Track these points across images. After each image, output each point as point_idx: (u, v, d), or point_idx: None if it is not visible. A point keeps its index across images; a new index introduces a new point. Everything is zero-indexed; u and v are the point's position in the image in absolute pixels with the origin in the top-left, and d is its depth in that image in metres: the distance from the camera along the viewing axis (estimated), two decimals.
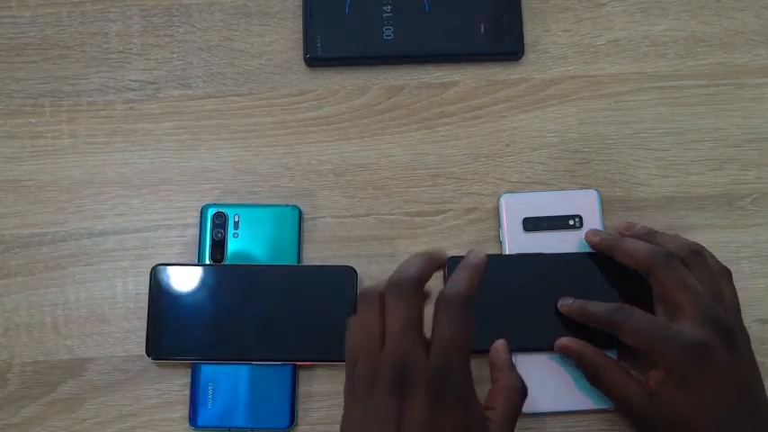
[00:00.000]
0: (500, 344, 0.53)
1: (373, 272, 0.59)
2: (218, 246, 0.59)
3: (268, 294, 0.57)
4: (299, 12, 0.64)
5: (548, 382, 0.57)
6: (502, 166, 0.62)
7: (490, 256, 0.57)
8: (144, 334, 0.57)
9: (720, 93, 0.63)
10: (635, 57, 0.64)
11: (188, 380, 0.57)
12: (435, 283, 0.59)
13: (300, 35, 0.64)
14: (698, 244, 0.57)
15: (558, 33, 0.64)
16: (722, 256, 0.59)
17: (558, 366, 0.57)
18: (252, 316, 0.57)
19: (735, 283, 0.56)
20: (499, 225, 0.60)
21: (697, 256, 0.55)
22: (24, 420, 0.58)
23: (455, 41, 0.63)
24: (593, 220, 0.59)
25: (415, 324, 0.47)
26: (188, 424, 0.57)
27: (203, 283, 0.57)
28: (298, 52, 0.64)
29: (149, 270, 0.58)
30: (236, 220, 0.59)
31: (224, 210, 0.60)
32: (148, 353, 0.57)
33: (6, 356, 0.59)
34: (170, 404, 0.58)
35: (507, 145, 0.62)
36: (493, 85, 0.63)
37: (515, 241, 0.59)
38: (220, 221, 0.59)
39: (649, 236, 0.57)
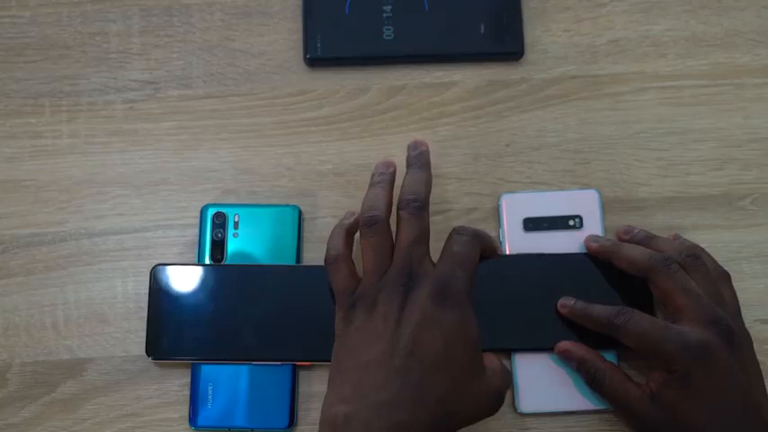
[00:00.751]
0: None
1: None
2: (218, 246, 0.59)
3: (268, 294, 0.57)
4: (299, 12, 0.64)
5: (548, 382, 0.57)
6: (502, 166, 0.62)
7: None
8: (144, 334, 0.57)
9: (721, 93, 0.63)
10: (635, 57, 0.64)
11: (188, 380, 0.57)
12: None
13: (300, 35, 0.64)
14: (697, 247, 0.57)
15: (558, 33, 0.64)
16: (722, 256, 0.59)
17: (558, 366, 0.57)
18: (252, 316, 0.57)
19: (735, 284, 0.56)
20: (499, 225, 0.60)
21: (696, 260, 0.55)
22: (24, 420, 0.58)
23: (455, 41, 0.63)
24: (593, 221, 0.59)
25: (425, 239, 0.52)
26: (188, 424, 0.57)
27: (203, 283, 0.57)
28: (298, 52, 0.64)
29: (149, 270, 0.58)
30: (236, 220, 0.59)
31: (224, 210, 0.60)
32: (148, 353, 0.57)
33: (6, 356, 0.59)
34: (170, 404, 0.58)
35: (507, 145, 0.62)
36: (493, 85, 0.63)
37: (515, 241, 0.59)
38: (220, 221, 0.59)
39: (648, 240, 0.57)
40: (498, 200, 0.60)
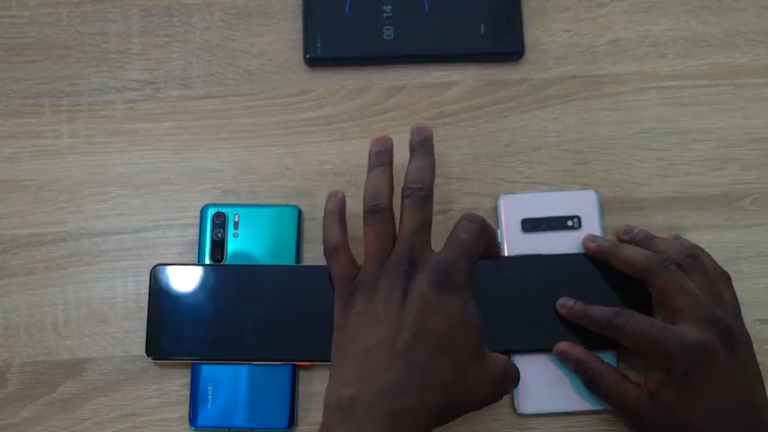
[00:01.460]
0: None
1: None
2: (218, 246, 0.59)
3: (268, 294, 0.57)
4: (299, 12, 0.64)
5: (548, 383, 0.57)
6: (502, 166, 0.62)
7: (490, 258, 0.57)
8: (144, 334, 0.57)
9: (721, 93, 0.63)
10: (635, 57, 0.64)
11: (188, 380, 0.57)
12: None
13: (300, 35, 0.64)
14: (696, 247, 0.56)
15: (558, 33, 0.64)
16: (723, 256, 0.59)
17: (558, 367, 0.57)
18: (252, 316, 0.57)
19: (735, 284, 0.56)
20: (497, 226, 0.60)
21: (695, 261, 0.55)
22: (24, 420, 0.58)
23: (455, 41, 0.63)
24: (591, 221, 0.59)
25: (428, 228, 0.53)
26: (188, 424, 0.57)
27: (203, 283, 0.58)
28: (298, 52, 0.64)
29: (149, 270, 0.58)
30: (236, 220, 0.59)
31: (224, 210, 0.60)
32: (148, 353, 0.57)
33: (6, 356, 0.59)
34: (170, 404, 0.58)
35: (507, 145, 0.62)
36: (493, 85, 0.63)
37: (514, 242, 0.59)
38: (220, 221, 0.59)
39: (647, 240, 0.57)
40: (497, 200, 0.60)
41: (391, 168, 0.55)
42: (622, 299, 0.57)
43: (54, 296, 0.60)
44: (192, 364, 0.57)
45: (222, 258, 0.59)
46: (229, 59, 0.64)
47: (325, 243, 0.55)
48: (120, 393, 0.58)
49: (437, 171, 0.61)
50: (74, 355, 0.59)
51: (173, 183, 0.62)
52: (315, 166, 0.62)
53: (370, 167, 0.55)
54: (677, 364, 0.51)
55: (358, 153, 0.62)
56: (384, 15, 0.63)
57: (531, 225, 0.59)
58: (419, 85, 0.63)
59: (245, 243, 0.59)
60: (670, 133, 0.62)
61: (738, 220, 0.61)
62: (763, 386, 0.52)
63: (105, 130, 0.63)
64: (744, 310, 0.55)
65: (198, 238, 0.60)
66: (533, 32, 0.64)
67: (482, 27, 0.63)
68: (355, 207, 0.61)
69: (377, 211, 0.53)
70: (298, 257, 0.59)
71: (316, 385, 0.58)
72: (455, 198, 0.61)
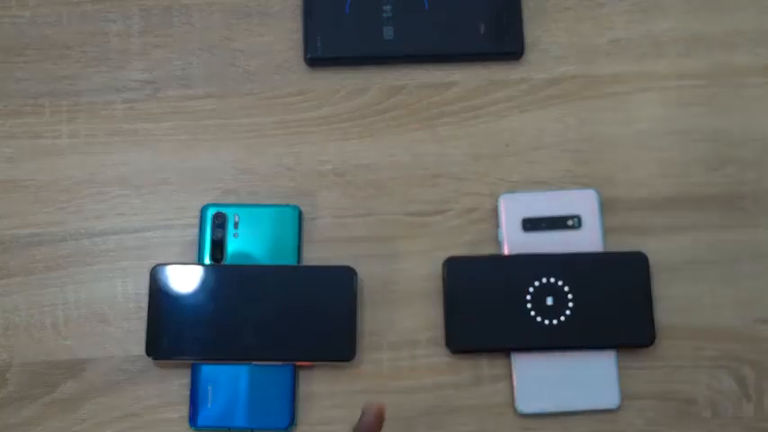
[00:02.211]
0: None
1: (373, 272, 0.59)
2: (218, 246, 0.59)
3: (268, 294, 0.57)
4: (299, 12, 0.64)
5: (547, 382, 0.57)
6: (502, 166, 0.62)
7: (490, 257, 0.57)
8: (144, 334, 0.57)
9: (720, 93, 0.63)
10: (635, 57, 0.64)
11: (188, 380, 0.57)
12: (433, 284, 0.59)
13: (300, 35, 0.64)
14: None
15: (558, 33, 0.64)
16: (722, 256, 0.59)
17: (558, 366, 0.57)
18: (252, 316, 0.57)
19: (735, 284, 0.56)
20: (498, 225, 0.60)
21: None
22: (24, 420, 0.58)
23: (455, 41, 0.63)
24: (592, 220, 0.59)
25: None
26: (188, 424, 0.57)
27: (203, 283, 0.57)
28: (298, 52, 0.64)
29: (149, 270, 0.58)
30: (236, 220, 0.59)
31: (224, 210, 0.60)
32: (148, 353, 0.57)
33: (6, 356, 0.59)
34: (170, 404, 0.58)
35: (507, 145, 0.62)
36: (493, 85, 0.63)
37: (514, 241, 0.59)
38: (220, 221, 0.59)
39: None
40: (497, 200, 0.60)
41: None
42: (621, 299, 0.57)
43: (54, 296, 0.60)
44: (192, 364, 0.57)
45: (222, 258, 0.59)
46: (229, 59, 0.64)
47: None
48: (120, 393, 0.58)
49: (437, 171, 0.61)
50: (74, 355, 0.59)
51: (173, 183, 0.62)
52: (315, 166, 0.62)
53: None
54: None
55: (358, 153, 0.62)
56: (384, 15, 0.63)
57: (531, 225, 0.59)
58: (419, 85, 0.63)
59: (245, 243, 0.59)
60: (670, 133, 0.62)
61: (738, 220, 0.61)
62: None
63: (105, 130, 0.63)
64: (744, 310, 0.56)
65: (198, 238, 0.60)
66: (533, 32, 0.64)
67: (482, 27, 0.63)
68: (354, 206, 0.61)
69: None
70: (298, 257, 0.59)
71: (316, 385, 0.58)
72: (455, 198, 0.61)
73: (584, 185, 0.61)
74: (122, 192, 0.61)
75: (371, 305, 0.59)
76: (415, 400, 0.58)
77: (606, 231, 0.59)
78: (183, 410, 0.58)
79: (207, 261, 0.59)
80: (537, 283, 0.57)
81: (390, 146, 0.62)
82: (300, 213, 0.60)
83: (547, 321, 0.57)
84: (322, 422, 0.57)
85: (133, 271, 0.60)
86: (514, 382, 0.57)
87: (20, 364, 0.59)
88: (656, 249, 0.59)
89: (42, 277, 0.60)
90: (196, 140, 0.62)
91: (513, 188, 0.61)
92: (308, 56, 0.63)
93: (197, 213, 0.60)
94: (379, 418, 0.47)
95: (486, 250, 0.59)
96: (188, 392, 0.57)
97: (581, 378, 0.56)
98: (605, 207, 0.60)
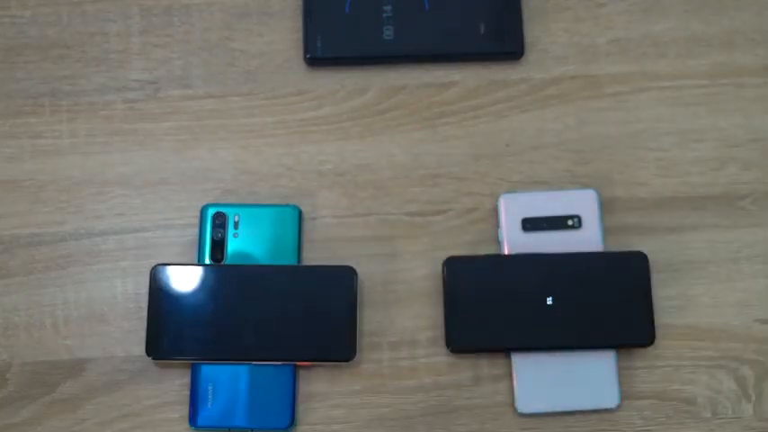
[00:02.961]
0: None
1: (373, 272, 0.59)
2: (218, 246, 0.59)
3: (268, 294, 0.57)
4: (299, 12, 0.64)
5: (547, 382, 0.57)
6: (502, 166, 0.62)
7: (490, 257, 0.57)
8: (144, 334, 0.57)
9: (721, 92, 0.63)
10: (635, 57, 0.64)
11: (188, 380, 0.57)
12: (433, 284, 0.59)
13: (300, 35, 0.64)
14: None
15: (558, 33, 0.64)
16: (723, 256, 0.59)
17: (558, 366, 0.57)
18: (252, 316, 0.57)
19: (735, 284, 0.56)
20: (498, 225, 0.60)
21: None
22: (24, 420, 0.58)
23: (455, 41, 0.63)
24: (592, 221, 0.59)
25: None
26: (188, 424, 0.57)
27: (203, 283, 0.57)
28: (298, 52, 0.64)
29: (149, 270, 0.58)
30: (236, 220, 0.59)
31: (224, 210, 0.60)
32: (148, 353, 0.57)
33: (6, 356, 0.59)
34: (170, 404, 0.58)
35: (507, 145, 0.62)
36: (493, 85, 0.63)
37: (514, 241, 0.59)
38: (220, 221, 0.59)
39: None
40: (497, 200, 0.60)
41: None
42: (622, 299, 0.57)
43: (54, 296, 0.60)
44: (192, 364, 0.57)
45: (222, 258, 0.59)
46: (229, 59, 0.64)
47: None
48: (120, 393, 0.58)
49: (437, 171, 0.61)
50: (74, 355, 0.59)
51: (173, 183, 0.62)
52: (315, 166, 0.62)
53: None
54: None
55: (358, 153, 0.62)
56: (384, 15, 0.63)
57: (531, 225, 0.59)
58: (419, 85, 0.63)
59: (245, 243, 0.59)
60: (670, 133, 0.62)
61: (738, 220, 0.61)
62: None
63: (105, 130, 0.63)
64: (744, 310, 0.56)
65: (198, 238, 0.60)
66: (533, 32, 0.64)
67: (482, 27, 0.63)
68: (354, 206, 0.61)
69: None
70: (298, 257, 0.59)
71: (316, 385, 0.58)
72: (455, 198, 0.61)
73: (584, 185, 0.61)
74: (122, 192, 0.61)
75: (371, 305, 0.59)
76: (415, 400, 0.58)
77: (606, 231, 0.59)
78: (183, 410, 0.58)
79: (207, 261, 0.59)
80: (537, 283, 0.57)
81: (390, 146, 0.62)
82: (300, 213, 0.60)
83: (547, 321, 0.57)
84: (322, 422, 0.57)
85: (133, 271, 0.60)
86: (514, 382, 0.57)
87: (20, 364, 0.59)
88: (656, 249, 0.59)
89: (42, 277, 0.60)
90: (196, 140, 0.62)
91: (514, 188, 0.61)
92: (308, 56, 0.63)
93: (197, 213, 0.60)
94: None
95: (486, 250, 0.60)
96: (188, 392, 0.57)
97: (581, 378, 0.56)
98: (605, 207, 0.60)
